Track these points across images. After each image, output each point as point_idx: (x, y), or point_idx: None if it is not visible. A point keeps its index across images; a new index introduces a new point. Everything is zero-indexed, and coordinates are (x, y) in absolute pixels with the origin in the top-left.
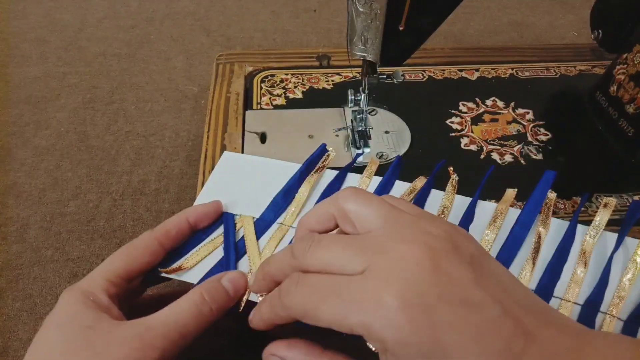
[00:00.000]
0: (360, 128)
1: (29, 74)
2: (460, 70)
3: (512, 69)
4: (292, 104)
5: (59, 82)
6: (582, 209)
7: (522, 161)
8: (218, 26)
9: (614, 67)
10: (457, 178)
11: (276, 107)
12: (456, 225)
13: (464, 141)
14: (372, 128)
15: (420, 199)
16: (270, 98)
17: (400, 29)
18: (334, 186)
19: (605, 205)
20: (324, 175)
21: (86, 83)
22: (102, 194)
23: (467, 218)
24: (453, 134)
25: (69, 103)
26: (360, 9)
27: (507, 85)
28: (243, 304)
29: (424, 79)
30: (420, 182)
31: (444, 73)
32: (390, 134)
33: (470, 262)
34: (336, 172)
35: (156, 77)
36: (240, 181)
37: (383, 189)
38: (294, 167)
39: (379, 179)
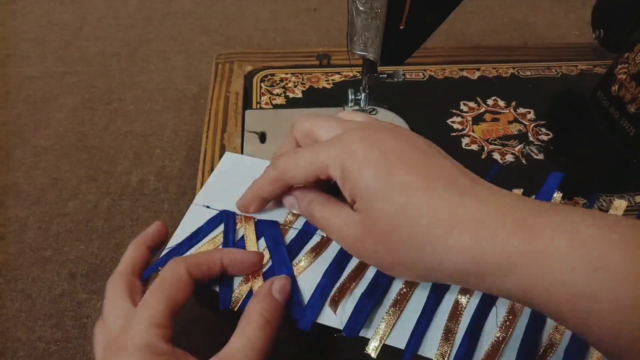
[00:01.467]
0: None
1: (28, 74)
2: (461, 70)
3: (514, 68)
4: (292, 103)
5: (57, 81)
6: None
7: (524, 161)
8: (217, 25)
9: (615, 67)
10: None
11: (276, 106)
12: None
13: (464, 141)
14: None
15: None
16: (270, 97)
17: (401, 28)
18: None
19: (616, 209)
20: None
21: (85, 83)
22: (101, 194)
23: None
24: (454, 134)
25: (68, 103)
26: (361, 8)
27: (509, 85)
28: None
29: (425, 78)
30: None
31: (444, 72)
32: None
33: (424, 140)
34: None
35: (155, 77)
36: (241, 182)
37: None
38: None
39: None
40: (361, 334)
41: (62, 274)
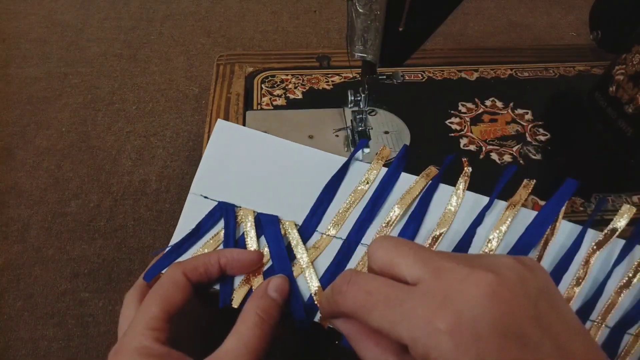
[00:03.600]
0: (360, 128)
1: (30, 75)
2: (460, 71)
3: (511, 69)
4: (292, 104)
5: (60, 82)
6: (581, 208)
7: (521, 161)
8: (219, 27)
9: (613, 68)
10: (470, 170)
11: (276, 107)
12: (525, 256)
13: (463, 141)
14: (371, 128)
15: (427, 195)
16: (270, 98)
17: (400, 29)
18: (336, 180)
19: (622, 215)
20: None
21: (87, 83)
22: (103, 193)
23: (477, 219)
24: (452, 134)
25: (70, 103)
26: (360, 10)
27: (506, 86)
28: (237, 304)
29: (424, 80)
30: (428, 175)
31: (443, 73)
32: (390, 134)
33: (535, 296)
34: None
35: (157, 78)
36: (237, 159)
37: (389, 181)
38: (302, 151)
39: (384, 170)
40: None
41: (65, 273)
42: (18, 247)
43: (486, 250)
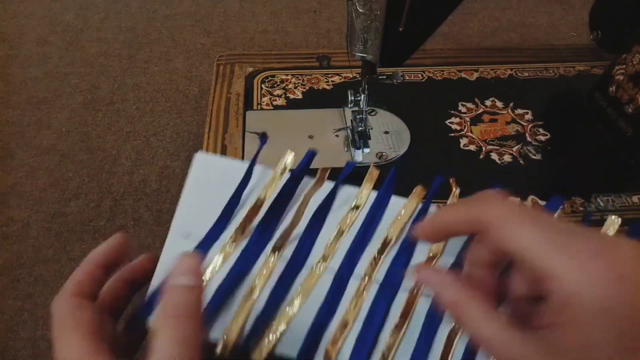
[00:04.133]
0: (360, 128)
1: (30, 75)
2: (460, 71)
3: (511, 69)
4: (292, 104)
5: (60, 82)
6: (581, 208)
7: (521, 161)
8: (218, 27)
9: (612, 68)
10: (458, 191)
11: (276, 107)
12: None
13: (463, 141)
14: (371, 128)
15: (418, 218)
16: (270, 98)
17: (400, 29)
18: (329, 199)
19: (608, 227)
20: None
21: (87, 83)
22: (103, 193)
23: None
24: (452, 134)
25: (70, 103)
26: (360, 10)
27: (506, 86)
28: None
29: (424, 80)
30: (418, 195)
31: (443, 74)
32: (390, 134)
33: None
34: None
35: (157, 78)
36: (221, 193)
37: (378, 206)
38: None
39: (374, 193)
40: None
41: (65, 274)
42: (18, 247)
43: None
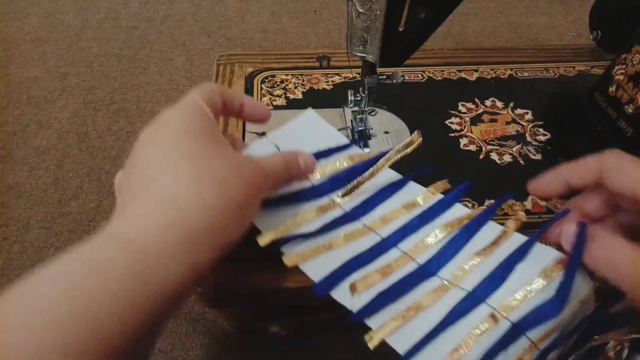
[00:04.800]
0: (360, 128)
1: (30, 75)
2: (460, 71)
3: (511, 69)
4: (292, 104)
5: (59, 82)
6: None
7: (521, 161)
8: (219, 27)
9: (612, 68)
10: (524, 217)
11: (276, 107)
12: None
13: (463, 141)
14: (371, 128)
15: (475, 226)
16: (270, 98)
17: (400, 29)
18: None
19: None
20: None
21: (87, 83)
22: (103, 193)
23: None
24: (452, 134)
25: (70, 103)
26: (360, 10)
27: (506, 86)
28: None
29: (424, 80)
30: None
31: (443, 74)
32: (390, 134)
33: None
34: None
35: (157, 78)
36: (310, 139)
37: (439, 208)
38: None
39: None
40: (369, 324)
41: None
42: (18, 247)
43: (528, 289)
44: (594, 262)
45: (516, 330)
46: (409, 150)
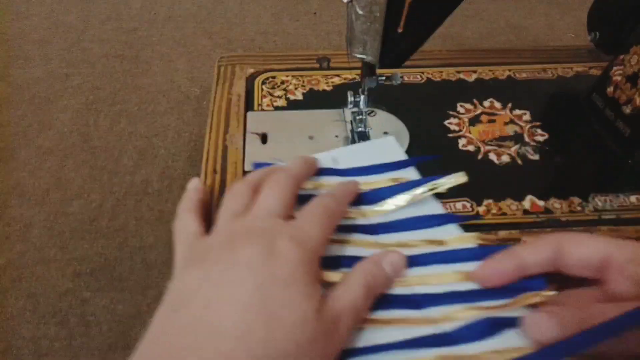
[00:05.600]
0: (359, 129)
1: (32, 75)
2: (458, 72)
3: (510, 70)
4: (292, 105)
5: (62, 83)
6: (579, 208)
7: (519, 162)
8: (220, 29)
9: (610, 69)
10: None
11: (277, 108)
12: None
13: (461, 142)
14: (371, 129)
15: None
16: (271, 99)
17: (399, 31)
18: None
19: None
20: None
21: (89, 84)
22: (105, 193)
23: None
24: (451, 135)
25: (72, 104)
26: (360, 12)
27: (505, 87)
28: None
29: (423, 81)
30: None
31: (442, 75)
32: (389, 135)
33: None
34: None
35: (159, 79)
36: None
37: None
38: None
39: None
40: None
41: (67, 273)
42: (20, 247)
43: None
44: None
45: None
46: (446, 187)
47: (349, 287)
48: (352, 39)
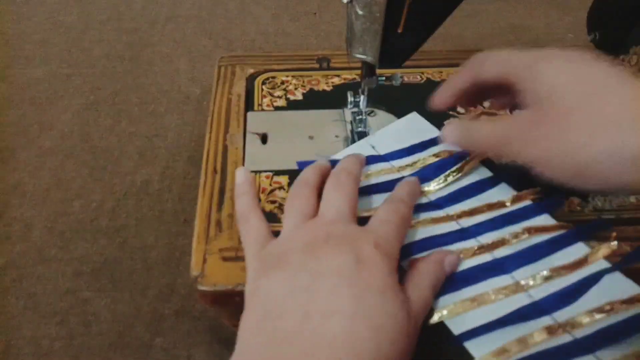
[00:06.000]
0: (359, 129)
1: (33, 75)
2: None
3: None
4: (292, 105)
5: (62, 83)
6: (578, 208)
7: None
8: (220, 29)
9: None
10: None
11: (277, 108)
12: None
13: None
14: (371, 129)
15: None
16: (271, 99)
17: (399, 31)
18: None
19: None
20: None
21: (90, 85)
22: (105, 194)
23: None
24: None
25: (73, 104)
26: (360, 12)
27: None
28: None
29: (423, 81)
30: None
31: (442, 75)
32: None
33: None
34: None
35: (159, 79)
36: (409, 140)
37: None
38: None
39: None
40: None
41: (67, 273)
42: (21, 247)
43: (597, 317)
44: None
45: (580, 348)
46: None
47: (421, 291)
48: (352, 39)
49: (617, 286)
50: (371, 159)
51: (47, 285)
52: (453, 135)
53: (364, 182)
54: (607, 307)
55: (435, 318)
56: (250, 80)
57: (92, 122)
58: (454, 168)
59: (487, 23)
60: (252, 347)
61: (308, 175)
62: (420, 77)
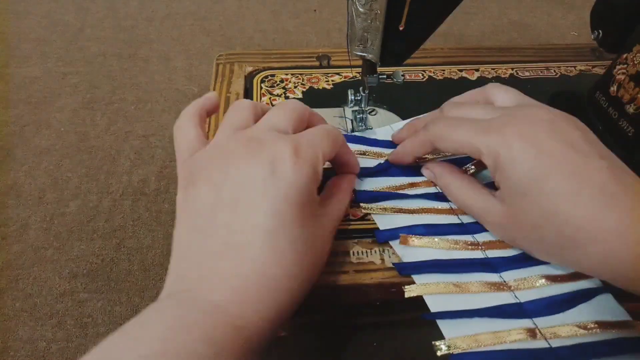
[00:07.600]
0: (360, 128)
1: (29, 74)
2: (460, 70)
3: (512, 69)
4: None
5: (59, 82)
6: None
7: None
8: (218, 26)
9: (614, 67)
10: None
11: None
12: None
13: None
14: (372, 128)
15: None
16: (270, 98)
17: (400, 29)
18: None
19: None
20: None
21: (86, 83)
22: (102, 194)
23: None
24: None
25: (69, 103)
26: (360, 9)
27: (508, 85)
28: None
29: (424, 79)
30: None
31: (444, 73)
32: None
33: (582, 132)
34: None
35: (156, 77)
36: None
37: None
38: None
39: None
40: (414, 279)
41: (63, 274)
42: (17, 247)
43: (580, 332)
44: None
45: (552, 357)
46: None
47: (340, 204)
48: (353, 37)
49: (608, 309)
50: (386, 143)
51: (44, 287)
52: (433, 179)
53: (381, 160)
54: (592, 326)
55: (415, 291)
56: (249, 78)
57: (89, 121)
58: (471, 164)
59: (489, 20)
60: (185, 261)
61: (252, 101)
62: (422, 75)
